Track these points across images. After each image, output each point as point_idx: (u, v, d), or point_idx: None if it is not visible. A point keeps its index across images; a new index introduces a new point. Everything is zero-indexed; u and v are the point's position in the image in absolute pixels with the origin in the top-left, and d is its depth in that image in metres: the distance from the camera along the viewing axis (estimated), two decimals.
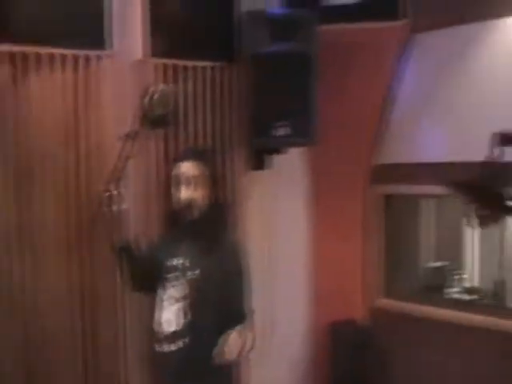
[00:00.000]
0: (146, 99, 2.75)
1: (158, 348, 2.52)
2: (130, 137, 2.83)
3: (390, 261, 4.10)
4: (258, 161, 3.84)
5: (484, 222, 1.82)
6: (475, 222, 1.83)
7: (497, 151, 1.90)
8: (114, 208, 2.77)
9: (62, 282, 3.24)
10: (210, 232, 2.51)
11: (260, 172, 3.89)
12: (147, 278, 2.62)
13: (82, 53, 3.24)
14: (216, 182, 2.59)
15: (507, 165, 1.98)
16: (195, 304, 2.45)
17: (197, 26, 3.60)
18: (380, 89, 3.88)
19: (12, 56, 3.07)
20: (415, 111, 3.86)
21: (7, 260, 3.11)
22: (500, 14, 3.46)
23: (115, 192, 2.79)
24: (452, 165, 3.37)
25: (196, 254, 2.48)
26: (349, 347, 3.97)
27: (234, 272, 2.52)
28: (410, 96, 3.88)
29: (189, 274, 2.47)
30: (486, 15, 3.50)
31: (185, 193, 2.48)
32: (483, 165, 1.93)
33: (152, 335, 2.55)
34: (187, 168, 2.52)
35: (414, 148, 3.84)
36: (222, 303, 2.45)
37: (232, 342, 2.28)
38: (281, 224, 3.98)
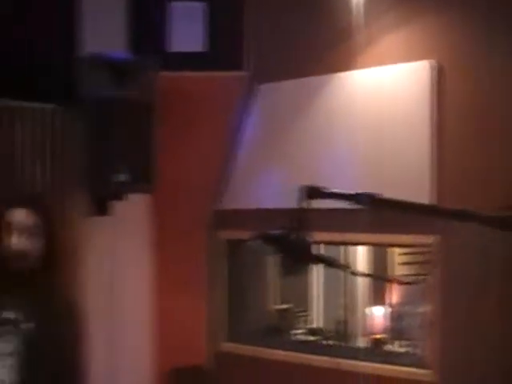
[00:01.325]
0: None
1: None
2: None
3: (235, 305, 4.15)
4: (99, 207, 3.77)
5: (289, 270, 1.89)
6: (282, 270, 1.89)
7: (304, 203, 1.99)
8: None
9: None
10: (43, 283, 2.42)
11: (101, 218, 3.83)
12: None
13: None
14: (50, 231, 2.52)
15: (312, 215, 2.07)
16: (30, 360, 2.33)
17: (36, 67, 3.52)
18: (223, 136, 3.99)
19: None
20: (256, 159, 4.00)
21: None
22: (338, 69, 3.71)
23: None
24: (288, 211, 3.51)
25: (29, 307, 2.37)
26: None
27: (68, 325, 2.44)
28: (252, 144, 4.03)
29: (22, 327, 2.35)
30: (325, 69, 3.75)
31: (17, 242, 2.37)
32: (290, 215, 2.00)
33: None
34: (21, 216, 2.41)
35: (255, 194, 3.96)
36: (57, 357, 2.37)
37: None
38: (123, 270, 3.92)
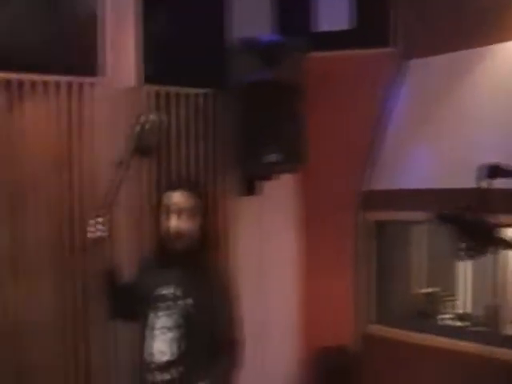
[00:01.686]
0: (136, 129, 2.79)
1: (149, 378, 2.51)
2: (121, 164, 2.87)
3: (382, 287, 4.09)
4: (248, 187, 3.86)
5: (471, 253, 1.83)
6: (462, 253, 1.83)
7: (484, 183, 1.91)
8: (100, 234, 2.81)
9: (53, 307, 3.25)
10: (199, 261, 2.53)
11: (250, 198, 3.91)
12: (129, 307, 2.64)
13: (75, 80, 3.29)
14: (205, 212, 2.60)
15: (495, 195, 1.98)
16: (188, 333, 2.46)
17: (189, 53, 3.64)
18: (371, 115, 3.91)
19: (8, 83, 3.12)
20: (406, 138, 3.88)
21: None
22: (493, 41, 3.51)
23: (102, 218, 2.82)
24: (442, 191, 3.40)
25: (186, 283, 2.49)
26: (338, 373, 3.94)
27: (223, 300, 2.54)
28: (400, 122, 3.91)
29: (180, 303, 2.48)
30: (477, 42, 3.56)
31: (175, 223, 2.48)
32: (471, 195, 1.94)
33: (142, 365, 2.53)
34: (179, 198, 2.52)
35: (404, 174, 3.85)
36: (213, 331, 2.47)
37: None
38: (270, 249, 3.98)
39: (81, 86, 3.31)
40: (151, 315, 2.50)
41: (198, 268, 2.52)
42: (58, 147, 3.27)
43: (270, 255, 3.98)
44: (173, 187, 2.60)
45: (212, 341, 2.46)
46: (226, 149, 3.75)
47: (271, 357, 4.00)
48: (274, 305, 4.00)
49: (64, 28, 3.29)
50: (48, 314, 3.23)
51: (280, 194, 4.00)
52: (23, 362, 3.17)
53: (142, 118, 2.78)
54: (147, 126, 2.76)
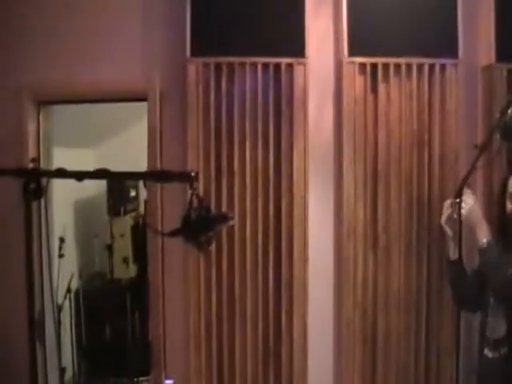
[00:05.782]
0: (503, 113, 2.70)
1: (483, 353, 2.60)
2: (483, 147, 2.82)
3: None
4: None
5: None
6: None
7: None
8: (454, 216, 2.87)
9: (403, 282, 3.36)
10: None
11: None
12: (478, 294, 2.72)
13: (437, 61, 3.31)
14: None
15: None
16: None
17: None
18: None
19: (373, 66, 3.31)
20: None
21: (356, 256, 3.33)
22: None
23: (458, 200, 2.85)
24: None
25: None
26: None
27: None
28: None
29: None
30: None
31: None
32: None
33: (481, 340, 2.62)
34: None
35: None
36: None
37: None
38: None
39: (442, 67, 3.32)
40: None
41: None
42: (419, 126, 3.34)
43: None
44: None
45: None
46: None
47: None
48: None
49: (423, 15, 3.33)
50: (397, 288, 3.35)
51: None
52: (374, 329, 3.36)
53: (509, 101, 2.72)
54: None
